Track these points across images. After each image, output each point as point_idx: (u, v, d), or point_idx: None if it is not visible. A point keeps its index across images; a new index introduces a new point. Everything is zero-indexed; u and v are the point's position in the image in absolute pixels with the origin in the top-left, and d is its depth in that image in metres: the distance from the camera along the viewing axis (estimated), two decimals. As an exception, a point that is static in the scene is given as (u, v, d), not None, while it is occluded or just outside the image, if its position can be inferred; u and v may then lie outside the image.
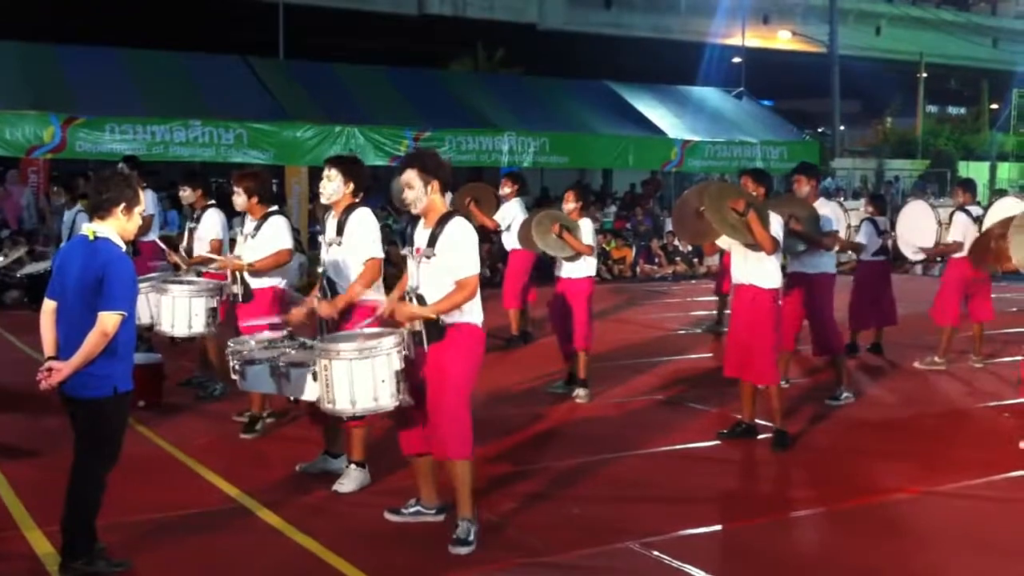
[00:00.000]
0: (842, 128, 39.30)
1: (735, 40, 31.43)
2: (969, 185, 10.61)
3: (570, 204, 8.60)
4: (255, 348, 5.79)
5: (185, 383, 8.67)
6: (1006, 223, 7.68)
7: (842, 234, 9.34)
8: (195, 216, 8.49)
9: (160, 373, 8.23)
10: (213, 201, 8.60)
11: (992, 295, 10.49)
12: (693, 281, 18.51)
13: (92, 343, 4.54)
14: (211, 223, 8.35)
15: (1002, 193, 18.96)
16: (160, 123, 15.53)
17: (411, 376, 5.14)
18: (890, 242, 10.82)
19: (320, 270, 6.13)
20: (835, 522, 5.83)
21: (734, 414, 7.59)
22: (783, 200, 8.27)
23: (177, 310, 7.33)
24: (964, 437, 7.74)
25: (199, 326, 7.39)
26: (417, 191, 5.16)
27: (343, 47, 28.13)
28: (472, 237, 5.17)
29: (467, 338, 5.16)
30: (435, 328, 5.09)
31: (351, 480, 6.03)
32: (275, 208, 7.29)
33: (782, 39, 36.25)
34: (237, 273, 7.16)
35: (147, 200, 7.87)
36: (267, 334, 6.08)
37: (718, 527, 5.69)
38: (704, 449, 7.15)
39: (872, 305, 10.71)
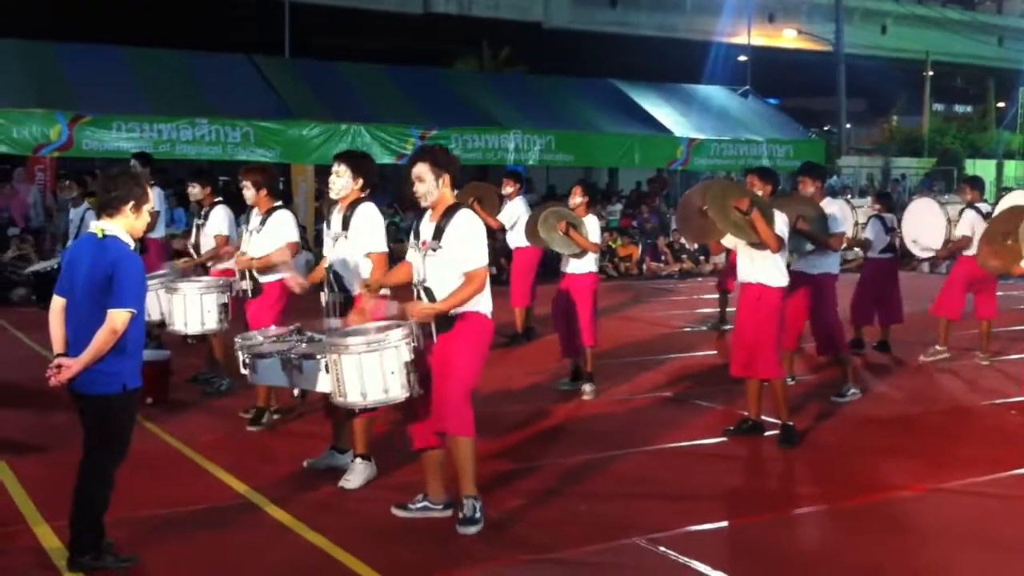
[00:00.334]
0: (848, 126, 39.23)
1: (741, 38, 31.37)
2: (977, 182, 10.59)
3: (577, 199, 8.61)
4: (264, 342, 5.81)
5: (192, 379, 8.71)
6: (1008, 221, 7.66)
7: (849, 232, 9.35)
8: (203, 213, 8.54)
9: (168, 370, 8.25)
10: (220, 198, 8.64)
11: (998, 292, 10.47)
12: (699, 279, 18.50)
13: (101, 340, 4.57)
14: (218, 220, 8.40)
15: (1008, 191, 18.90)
16: (167, 121, 15.55)
17: (420, 365, 5.18)
18: (897, 240, 10.82)
19: (326, 265, 6.16)
20: (840, 519, 5.83)
21: (740, 411, 7.60)
22: (790, 199, 8.25)
23: (189, 308, 7.38)
24: (970, 434, 7.74)
25: (212, 322, 7.45)
26: (428, 184, 5.22)
27: (348, 46, 28.13)
28: (480, 229, 5.22)
29: (475, 327, 5.20)
30: (444, 319, 5.13)
31: (357, 475, 6.04)
32: (279, 203, 7.33)
33: (788, 37, 36.20)
34: (245, 269, 7.19)
35: (154, 197, 7.90)
36: (274, 328, 6.10)
37: (724, 523, 5.70)
38: (710, 446, 7.16)
39: (877, 302, 10.70)
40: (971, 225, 9.76)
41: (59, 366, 4.63)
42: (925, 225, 10.34)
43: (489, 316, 5.29)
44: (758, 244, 6.90)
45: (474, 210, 11.12)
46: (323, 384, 5.33)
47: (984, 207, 10.06)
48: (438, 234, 5.19)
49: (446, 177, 5.23)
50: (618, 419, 7.93)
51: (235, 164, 15.32)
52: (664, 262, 19.48)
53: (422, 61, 26.37)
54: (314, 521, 5.44)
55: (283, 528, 5.41)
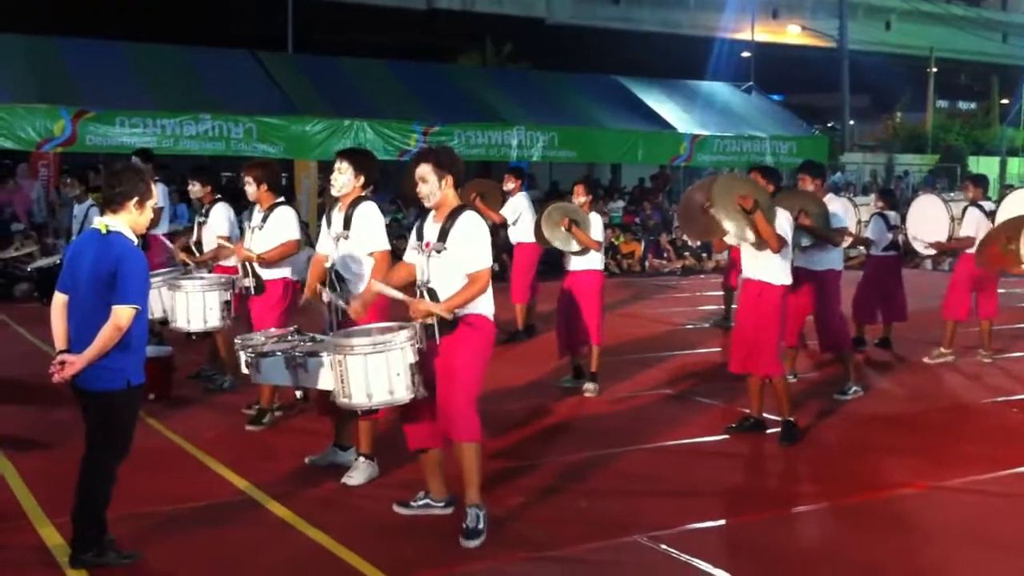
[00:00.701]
0: (852, 123, 39.24)
1: (744, 34, 31.35)
2: (980, 180, 10.56)
3: (581, 198, 8.61)
4: (265, 342, 5.81)
5: (194, 376, 8.72)
6: (1013, 226, 7.63)
7: (852, 229, 9.33)
8: (204, 211, 8.53)
9: (170, 366, 8.26)
10: (220, 196, 8.63)
11: (999, 290, 10.46)
12: (702, 276, 18.49)
13: (106, 337, 4.57)
14: (219, 218, 8.38)
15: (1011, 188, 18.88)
16: (170, 117, 15.57)
17: (424, 368, 5.18)
18: (901, 237, 10.81)
19: (328, 264, 6.15)
20: (841, 517, 5.83)
21: (742, 409, 7.60)
22: (794, 194, 8.22)
23: (191, 305, 7.38)
24: (971, 432, 7.74)
25: (214, 320, 7.45)
26: (431, 185, 5.22)
27: (351, 41, 28.16)
28: (484, 230, 5.22)
29: (478, 330, 5.20)
30: (447, 321, 5.13)
31: (360, 473, 6.05)
32: (281, 200, 7.31)
33: (791, 33, 36.17)
34: (248, 266, 7.18)
35: (158, 193, 7.91)
36: (275, 329, 6.10)
37: (725, 521, 5.70)
38: (712, 444, 7.16)
39: (879, 300, 10.69)
40: (975, 226, 9.75)
41: (63, 362, 4.63)
42: (929, 222, 10.32)
43: (491, 318, 5.29)
44: (759, 243, 6.89)
45: (477, 206, 11.15)
46: (327, 382, 5.33)
47: (988, 205, 10.03)
48: (443, 236, 5.18)
49: (449, 178, 5.22)
50: (619, 416, 7.93)
51: (238, 160, 15.33)
52: (667, 259, 19.48)
53: (425, 57, 26.36)
54: (316, 518, 5.45)
55: (285, 525, 5.42)
